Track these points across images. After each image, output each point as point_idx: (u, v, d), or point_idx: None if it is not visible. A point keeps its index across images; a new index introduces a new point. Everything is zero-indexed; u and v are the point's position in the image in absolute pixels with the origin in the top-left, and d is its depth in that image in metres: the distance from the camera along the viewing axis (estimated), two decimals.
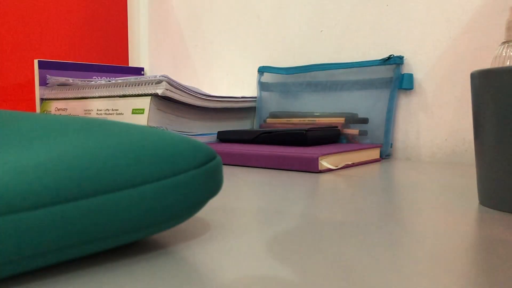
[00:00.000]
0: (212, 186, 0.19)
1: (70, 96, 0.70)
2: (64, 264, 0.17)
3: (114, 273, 0.16)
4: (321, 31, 0.70)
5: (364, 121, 0.61)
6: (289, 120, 0.67)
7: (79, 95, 0.68)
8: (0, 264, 0.14)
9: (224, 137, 0.62)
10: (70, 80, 0.72)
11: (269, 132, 0.56)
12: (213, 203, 0.29)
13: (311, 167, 0.44)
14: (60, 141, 0.17)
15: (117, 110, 0.61)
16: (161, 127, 0.57)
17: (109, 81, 0.64)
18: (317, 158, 0.44)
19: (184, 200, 0.18)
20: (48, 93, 0.74)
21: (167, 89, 0.56)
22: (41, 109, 0.75)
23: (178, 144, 0.19)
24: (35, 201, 0.14)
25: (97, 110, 0.64)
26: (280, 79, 0.73)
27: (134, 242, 0.20)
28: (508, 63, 0.40)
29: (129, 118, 0.59)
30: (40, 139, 0.17)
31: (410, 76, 0.59)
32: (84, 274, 0.16)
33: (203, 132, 0.64)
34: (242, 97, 0.70)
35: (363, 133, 0.60)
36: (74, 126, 0.19)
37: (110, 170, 0.16)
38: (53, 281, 0.15)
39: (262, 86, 0.74)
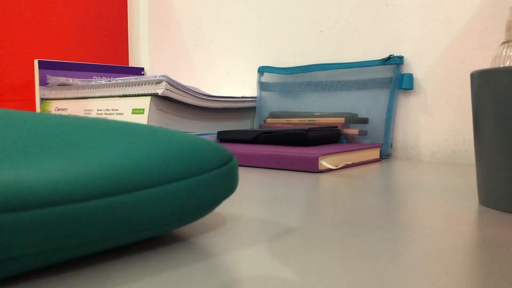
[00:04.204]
0: (231, 184, 0.21)
1: (70, 96, 0.70)
2: (94, 256, 0.17)
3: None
4: (321, 31, 0.70)
5: (364, 121, 0.61)
6: (289, 120, 0.67)
7: (79, 95, 0.68)
8: (51, 251, 0.15)
9: (224, 137, 0.62)
10: (70, 80, 0.72)
11: (269, 132, 0.56)
12: None
13: (311, 167, 0.44)
14: (102, 145, 0.19)
15: (117, 110, 0.61)
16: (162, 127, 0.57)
17: (109, 81, 0.64)
18: (317, 158, 0.44)
19: (208, 196, 0.20)
20: (48, 93, 0.74)
21: (167, 89, 0.56)
22: (41, 109, 0.75)
23: (203, 146, 0.20)
24: (85, 194, 0.16)
25: (97, 110, 0.64)
26: (280, 79, 0.73)
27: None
28: (508, 63, 0.40)
29: (129, 118, 0.59)
30: (81, 143, 0.19)
31: (410, 76, 0.59)
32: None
33: (203, 132, 0.64)
34: (242, 97, 0.70)
35: (363, 133, 0.60)
36: (109, 129, 0.20)
37: (149, 168, 0.18)
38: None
39: (262, 86, 0.74)
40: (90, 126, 0.21)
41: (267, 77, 0.75)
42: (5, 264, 0.14)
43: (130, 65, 1.03)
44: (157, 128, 0.22)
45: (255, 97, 0.74)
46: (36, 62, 0.76)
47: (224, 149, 0.21)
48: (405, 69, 0.61)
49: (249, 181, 0.39)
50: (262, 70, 0.74)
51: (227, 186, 0.21)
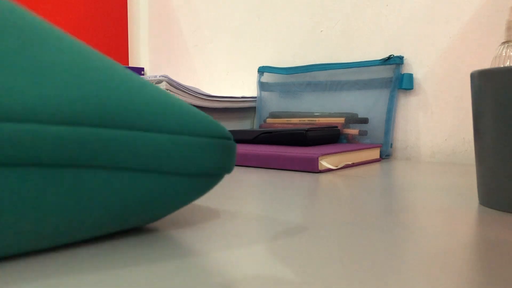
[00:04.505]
0: (229, 160, 0.21)
1: None
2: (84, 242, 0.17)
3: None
4: (321, 31, 0.70)
5: (364, 121, 0.61)
6: (289, 120, 0.67)
7: None
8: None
9: None
10: None
11: (269, 132, 0.56)
12: (212, 203, 0.29)
13: (311, 167, 0.44)
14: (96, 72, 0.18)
15: None
16: None
17: None
18: (317, 158, 0.44)
19: (203, 160, 0.20)
20: None
21: (167, 89, 0.56)
22: None
23: (206, 117, 0.21)
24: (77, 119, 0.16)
25: None
26: (280, 79, 0.73)
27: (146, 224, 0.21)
28: (508, 63, 0.40)
29: None
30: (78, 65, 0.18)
31: (410, 76, 0.59)
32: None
33: None
34: (242, 97, 0.70)
35: (363, 133, 0.60)
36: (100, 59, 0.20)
37: (139, 111, 0.18)
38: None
39: (262, 86, 0.74)
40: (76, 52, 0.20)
41: (267, 77, 0.75)
42: None
43: (130, 65, 1.03)
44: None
45: (255, 97, 0.74)
46: None
47: (226, 130, 0.22)
48: (405, 69, 0.61)
49: (249, 181, 0.39)
50: (262, 70, 0.74)
51: (226, 160, 0.21)
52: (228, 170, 0.22)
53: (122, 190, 0.18)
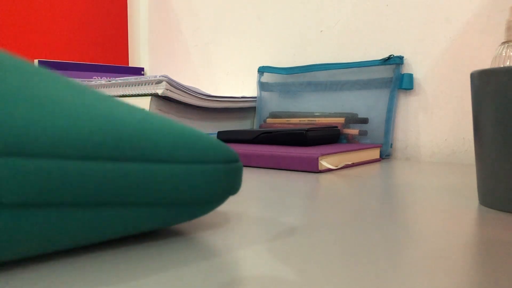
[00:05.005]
0: (234, 183, 0.21)
1: None
2: (92, 248, 0.17)
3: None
4: (321, 31, 0.70)
5: (364, 121, 0.61)
6: (289, 120, 0.67)
7: None
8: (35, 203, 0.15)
9: (224, 137, 0.62)
10: None
11: (269, 132, 0.56)
12: None
13: (311, 167, 0.44)
14: (107, 105, 0.18)
15: None
16: None
17: (109, 81, 0.64)
18: (317, 158, 0.44)
19: (212, 186, 0.20)
20: None
21: (167, 89, 0.56)
22: None
23: (214, 140, 0.21)
24: (88, 153, 0.15)
25: None
26: (280, 79, 0.73)
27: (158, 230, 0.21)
28: (508, 63, 0.40)
29: None
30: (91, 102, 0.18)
31: (410, 76, 0.59)
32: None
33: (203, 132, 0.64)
34: (242, 97, 0.70)
35: (363, 133, 0.60)
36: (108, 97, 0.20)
37: (154, 142, 0.18)
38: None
39: (262, 86, 0.74)
40: (101, 96, 0.20)
41: (267, 77, 0.75)
42: None
43: (130, 65, 1.03)
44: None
45: (255, 97, 0.74)
46: (36, 62, 0.76)
47: (233, 151, 0.22)
48: (405, 69, 0.61)
49: (249, 181, 0.39)
50: (262, 70, 0.74)
51: (231, 184, 0.21)
52: (235, 192, 0.22)
53: (135, 222, 0.18)
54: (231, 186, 0.21)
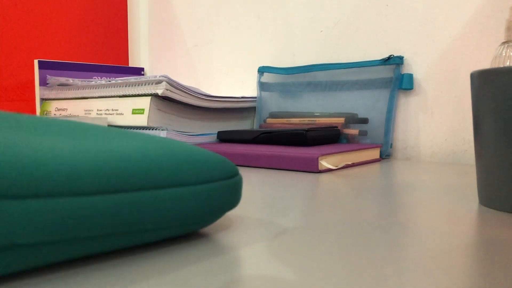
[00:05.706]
0: (235, 197, 0.21)
1: (70, 96, 0.70)
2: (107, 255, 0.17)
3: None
4: (321, 31, 0.70)
5: (364, 121, 0.61)
6: (289, 120, 0.67)
7: (79, 95, 0.68)
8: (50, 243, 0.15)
9: (224, 137, 0.62)
10: (70, 80, 0.72)
11: (269, 132, 0.56)
12: None
13: (311, 167, 0.44)
14: (119, 141, 0.19)
15: (117, 110, 0.61)
16: (162, 127, 0.57)
17: (109, 81, 0.64)
18: (317, 158, 0.44)
19: (214, 204, 0.20)
20: (48, 93, 0.74)
21: (167, 89, 0.56)
22: (41, 109, 0.75)
23: (213, 157, 0.21)
24: (98, 188, 0.15)
25: (97, 110, 0.64)
26: (280, 79, 0.73)
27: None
28: (508, 63, 0.40)
29: (129, 118, 0.59)
30: (99, 137, 0.19)
31: (410, 76, 0.59)
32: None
33: (203, 132, 0.64)
34: (242, 97, 0.70)
35: (363, 133, 0.60)
36: (118, 132, 0.21)
37: (161, 170, 0.18)
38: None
39: (262, 86, 0.74)
40: (106, 130, 0.21)
41: (267, 77, 0.75)
42: (9, 252, 0.14)
43: (130, 65, 1.03)
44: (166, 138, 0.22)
45: (255, 97, 0.74)
46: (36, 62, 0.76)
47: (232, 164, 0.22)
48: (405, 69, 0.61)
49: (249, 181, 0.39)
50: (262, 70, 0.74)
51: (232, 198, 0.21)
52: (236, 205, 0.22)
53: (139, 242, 0.19)
54: (234, 199, 0.21)
